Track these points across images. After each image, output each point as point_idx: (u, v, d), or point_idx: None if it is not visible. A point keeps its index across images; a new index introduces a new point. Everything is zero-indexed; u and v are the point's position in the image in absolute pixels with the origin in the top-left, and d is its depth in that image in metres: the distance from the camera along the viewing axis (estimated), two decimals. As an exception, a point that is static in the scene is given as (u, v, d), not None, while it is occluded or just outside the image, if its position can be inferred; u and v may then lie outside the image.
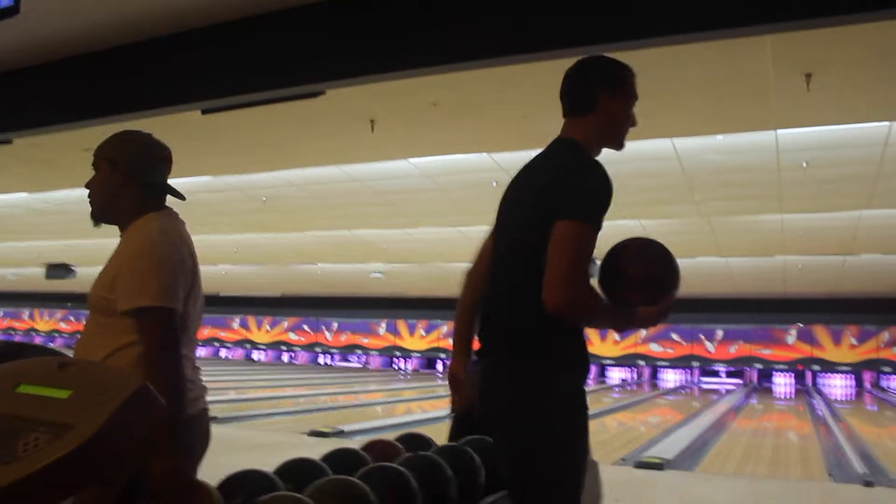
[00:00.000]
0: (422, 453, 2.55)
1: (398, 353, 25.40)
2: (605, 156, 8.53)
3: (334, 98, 5.32)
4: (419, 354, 25.06)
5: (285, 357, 28.23)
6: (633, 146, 9.67)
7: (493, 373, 1.98)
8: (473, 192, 11.53)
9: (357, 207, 13.05)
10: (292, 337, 27.59)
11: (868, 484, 6.26)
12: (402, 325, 25.29)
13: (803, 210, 11.78)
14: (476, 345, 2.14)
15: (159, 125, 8.02)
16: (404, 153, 9.98)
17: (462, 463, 2.60)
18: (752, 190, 10.65)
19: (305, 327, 27.22)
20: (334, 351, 26.74)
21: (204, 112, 5.57)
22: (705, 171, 9.97)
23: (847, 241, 13.67)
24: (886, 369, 20.06)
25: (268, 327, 28.12)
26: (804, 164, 9.57)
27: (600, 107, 2.14)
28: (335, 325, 26.54)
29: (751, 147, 9.19)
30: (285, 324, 27.62)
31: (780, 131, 8.69)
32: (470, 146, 9.44)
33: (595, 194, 2.01)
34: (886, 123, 8.35)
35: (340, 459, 2.53)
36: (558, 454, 1.86)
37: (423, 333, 24.95)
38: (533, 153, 9.08)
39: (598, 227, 1.99)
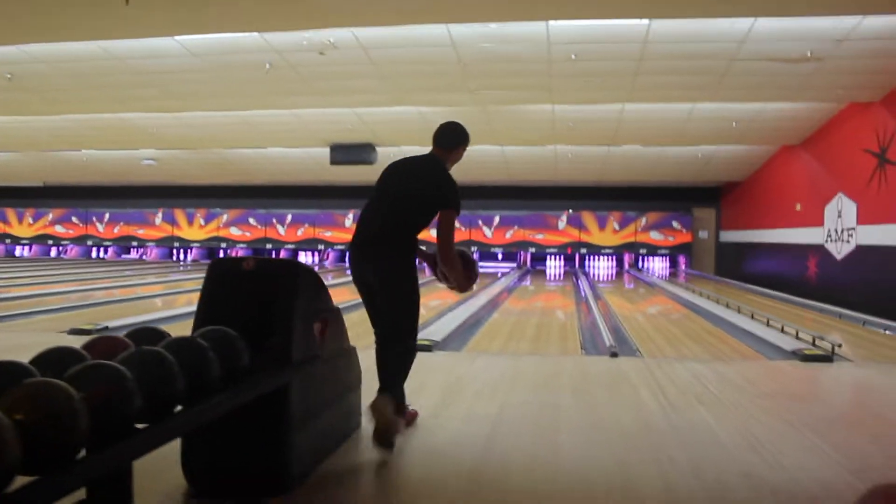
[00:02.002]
0: (146, 348, 2.37)
1: (177, 244, 24.32)
2: (378, 38, 8.27)
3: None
4: (198, 244, 24.16)
5: (53, 252, 26.24)
6: (409, 31, 9.50)
7: (386, 256, 3.92)
8: (246, 74, 10.97)
9: (120, 89, 12.04)
10: (59, 230, 25.61)
11: (614, 355, 6.82)
12: (180, 215, 24.16)
13: (572, 101, 12.28)
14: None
15: None
16: (168, 29, 9.23)
17: (193, 356, 2.46)
18: (524, 80, 10.91)
19: (74, 219, 25.33)
20: (108, 243, 25.14)
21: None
22: (480, 59, 10.06)
23: (611, 133, 14.52)
24: (643, 251, 21.95)
25: (30, 220, 25.88)
26: (573, 56, 9.89)
27: (457, 150, 4.21)
28: (107, 215, 24.90)
29: (523, 37, 9.35)
30: (50, 216, 25.52)
31: (551, 22, 8.89)
32: (238, 23, 8.88)
33: (457, 194, 4.02)
34: (646, 21, 8.77)
35: (53, 360, 2.30)
36: (413, 285, 3.96)
37: (202, 223, 24.00)
38: (308, 33, 8.65)
39: (459, 211, 4.04)
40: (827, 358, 6.74)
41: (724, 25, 8.77)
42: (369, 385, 5.08)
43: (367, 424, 4.17)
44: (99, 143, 17.22)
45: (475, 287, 5.06)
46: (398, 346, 3.96)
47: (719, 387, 5.43)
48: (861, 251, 11.78)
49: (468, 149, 4.31)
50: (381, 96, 11.99)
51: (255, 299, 3.27)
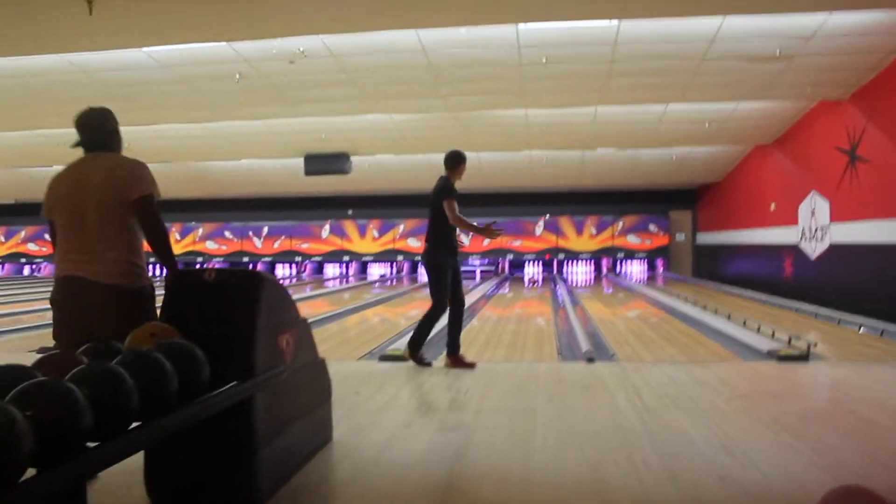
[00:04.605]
0: (98, 364, 2.29)
1: (152, 260, 24.01)
2: (348, 45, 8.24)
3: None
4: (178, 259, 23.95)
5: (26, 270, 25.93)
6: (379, 37, 9.44)
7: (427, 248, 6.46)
8: (217, 84, 10.88)
9: (89, 102, 11.79)
10: (32, 248, 25.31)
11: (590, 360, 6.78)
12: (154, 230, 23.98)
13: (544, 105, 12.28)
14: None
15: None
16: (132, 41, 9.13)
17: (149, 371, 2.38)
18: (496, 84, 10.89)
19: (46, 237, 25.05)
20: (82, 260, 24.89)
21: None
22: (451, 65, 10.03)
23: (585, 136, 14.53)
24: (620, 255, 22.01)
25: (2, 238, 25.56)
26: (544, 60, 9.88)
27: (457, 168, 6.46)
28: (81, 232, 24.66)
29: (494, 41, 9.33)
30: (23, 234, 25.23)
31: (520, 26, 8.87)
32: (204, 33, 8.79)
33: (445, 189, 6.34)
34: (615, 22, 8.77)
35: (2, 377, 2.21)
36: (441, 269, 6.31)
37: (177, 237, 23.76)
38: (276, 42, 8.68)
39: (456, 197, 6.30)
40: (802, 357, 6.74)
41: (693, 25, 8.81)
42: (339, 397, 5.01)
43: (338, 437, 4.11)
44: (71, 158, 16.93)
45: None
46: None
47: (695, 389, 5.41)
48: (835, 249, 11.85)
49: (442, 155, 6.45)
50: (353, 104, 11.92)
51: (218, 311, 3.19)
